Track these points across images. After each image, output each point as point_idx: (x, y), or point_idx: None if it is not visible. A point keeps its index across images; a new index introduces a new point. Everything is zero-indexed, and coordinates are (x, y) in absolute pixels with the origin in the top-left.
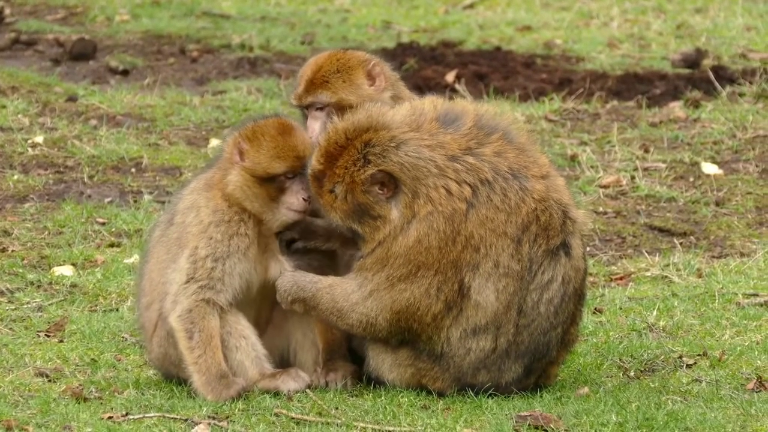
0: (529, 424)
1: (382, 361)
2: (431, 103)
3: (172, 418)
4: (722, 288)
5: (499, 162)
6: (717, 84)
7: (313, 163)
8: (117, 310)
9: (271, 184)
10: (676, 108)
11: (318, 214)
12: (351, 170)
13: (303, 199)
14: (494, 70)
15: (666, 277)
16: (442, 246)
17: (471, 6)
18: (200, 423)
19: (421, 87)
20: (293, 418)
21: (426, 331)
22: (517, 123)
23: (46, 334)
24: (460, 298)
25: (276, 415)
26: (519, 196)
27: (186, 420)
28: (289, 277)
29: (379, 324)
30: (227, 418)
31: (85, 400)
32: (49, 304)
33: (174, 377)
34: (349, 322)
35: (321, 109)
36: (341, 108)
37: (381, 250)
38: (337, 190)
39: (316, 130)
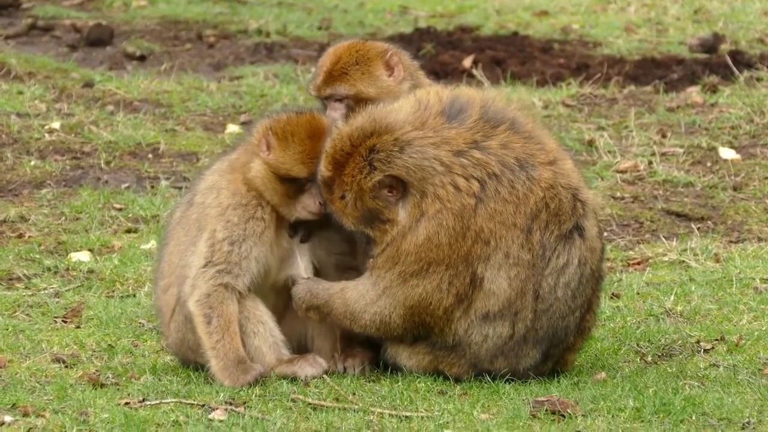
0: (546, 409)
1: (400, 349)
2: (436, 95)
3: (189, 403)
4: (740, 273)
5: (506, 154)
6: (734, 69)
7: (322, 170)
8: (134, 295)
9: (292, 184)
10: (694, 93)
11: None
12: (358, 178)
13: (320, 202)
14: (511, 56)
15: (683, 262)
16: (453, 242)
17: None
18: (217, 408)
19: (438, 72)
20: (310, 404)
21: (438, 324)
22: (525, 109)
23: (63, 320)
24: (471, 290)
25: (293, 400)
26: (526, 187)
27: (203, 406)
28: (304, 285)
29: (393, 321)
30: (244, 403)
31: (102, 386)
32: (66, 290)
33: (191, 363)
34: (363, 323)
35: (340, 100)
36: (360, 100)
37: (391, 249)
38: (347, 197)
39: (335, 121)
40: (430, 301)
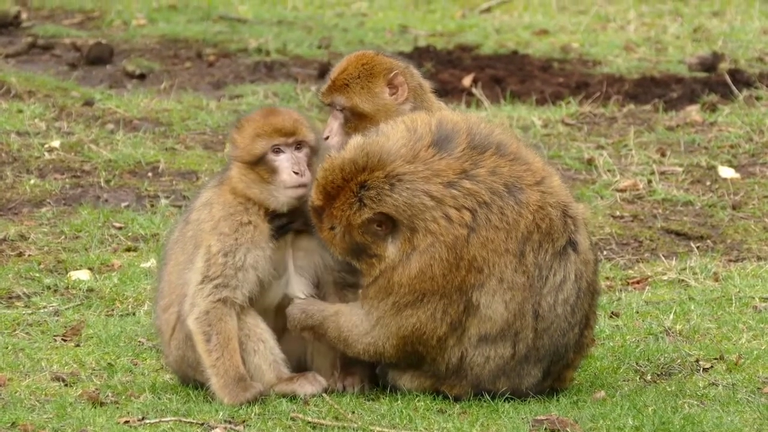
0: (545, 428)
1: (401, 372)
2: (426, 125)
3: (189, 422)
4: (739, 292)
5: (495, 180)
6: (734, 87)
7: (313, 198)
8: (134, 314)
9: (262, 167)
10: (693, 111)
11: None
12: (347, 213)
13: (294, 172)
14: (511, 74)
15: (683, 280)
16: (446, 273)
17: (488, 10)
18: (216, 427)
19: (438, 91)
20: (309, 422)
21: (430, 354)
22: (508, 131)
23: (62, 339)
24: (465, 317)
25: (292, 419)
26: (516, 212)
27: (202, 424)
28: (299, 305)
29: (387, 351)
30: (243, 422)
31: (102, 404)
32: (66, 309)
33: (191, 381)
34: (356, 351)
35: (340, 109)
36: (356, 113)
37: (382, 280)
38: (336, 230)
39: (333, 129)
40: (423, 331)
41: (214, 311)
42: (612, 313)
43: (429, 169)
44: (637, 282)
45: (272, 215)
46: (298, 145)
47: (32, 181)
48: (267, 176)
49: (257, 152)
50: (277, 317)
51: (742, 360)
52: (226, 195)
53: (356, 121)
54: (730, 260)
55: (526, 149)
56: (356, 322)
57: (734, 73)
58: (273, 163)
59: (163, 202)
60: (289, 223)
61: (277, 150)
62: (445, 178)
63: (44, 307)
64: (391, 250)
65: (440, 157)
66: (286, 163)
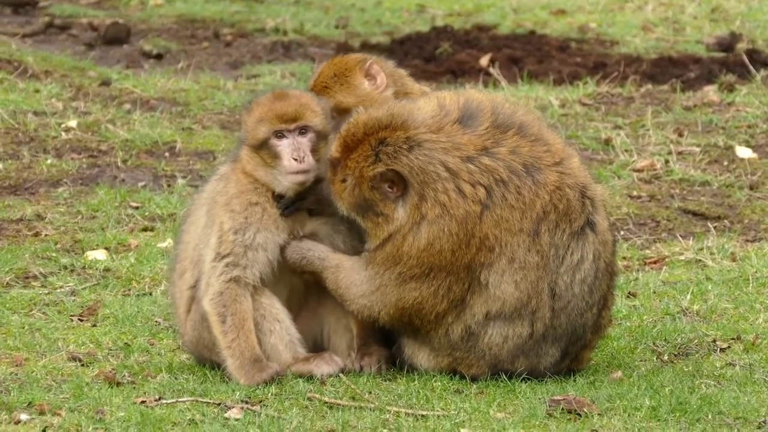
0: (562, 408)
1: (416, 349)
2: (454, 103)
3: (205, 402)
4: (756, 272)
5: (514, 159)
6: (751, 68)
7: (332, 150)
8: (150, 294)
9: (265, 152)
10: (711, 92)
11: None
12: (361, 165)
13: (294, 159)
14: (528, 54)
15: (700, 260)
16: (456, 249)
17: None
18: (233, 407)
19: (455, 71)
20: (326, 402)
21: (425, 327)
22: (532, 112)
23: (79, 319)
24: (469, 295)
25: (309, 399)
26: (533, 192)
27: (219, 404)
28: (299, 249)
29: (381, 318)
30: (260, 402)
31: (118, 384)
32: (83, 289)
33: (207, 361)
34: (350, 308)
35: None
36: (341, 110)
37: (391, 247)
38: (347, 182)
39: None
40: (423, 306)
41: (228, 292)
42: (629, 293)
43: (450, 141)
44: (655, 262)
45: (279, 195)
46: (303, 130)
47: (49, 161)
48: (270, 161)
49: (260, 137)
50: (292, 297)
51: (759, 340)
52: (239, 174)
53: (344, 119)
54: (748, 240)
55: (547, 130)
56: (356, 282)
57: (752, 53)
58: (275, 149)
59: (180, 181)
60: (298, 200)
61: (279, 135)
62: (465, 153)
63: (61, 287)
64: (400, 212)
65: (463, 132)
66: (288, 149)
